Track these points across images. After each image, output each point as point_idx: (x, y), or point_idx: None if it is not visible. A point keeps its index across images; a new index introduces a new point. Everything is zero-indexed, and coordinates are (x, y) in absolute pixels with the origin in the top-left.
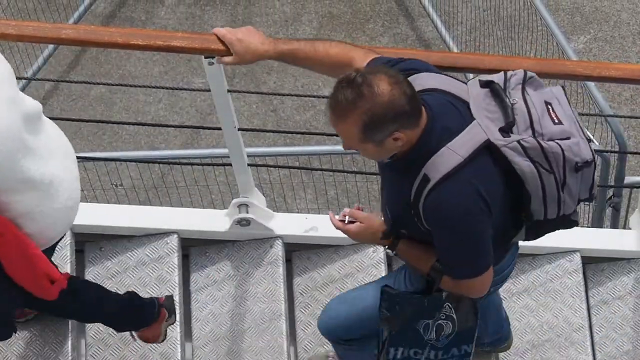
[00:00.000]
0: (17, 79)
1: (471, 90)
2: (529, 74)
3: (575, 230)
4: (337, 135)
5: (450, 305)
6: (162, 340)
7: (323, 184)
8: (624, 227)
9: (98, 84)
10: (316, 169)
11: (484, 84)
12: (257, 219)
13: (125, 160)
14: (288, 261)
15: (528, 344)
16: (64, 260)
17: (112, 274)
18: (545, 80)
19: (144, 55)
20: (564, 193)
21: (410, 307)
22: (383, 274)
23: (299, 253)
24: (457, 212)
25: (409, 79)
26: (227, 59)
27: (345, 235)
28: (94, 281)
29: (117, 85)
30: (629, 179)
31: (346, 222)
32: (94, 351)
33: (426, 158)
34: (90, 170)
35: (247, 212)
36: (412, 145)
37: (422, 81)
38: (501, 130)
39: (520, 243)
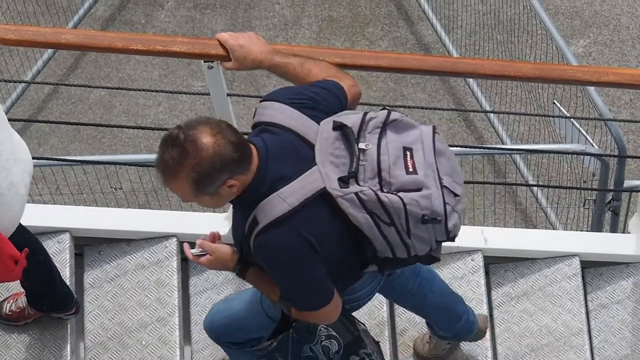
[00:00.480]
0: (17, 82)
1: (322, 131)
2: (394, 116)
3: (575, 234)
4: None
5: (325, 326)
6: None
7: None
8: (623, 231)
9: (97, 87)
10: None
11: (336, 127)
12: None
13: (124, 164)
14: None
15: (527, 348)
16: (63, 264)
17: (111, 278)
18: (545, 84)
19: (143, 58)
20: (411, 239)
21: (286, 346)
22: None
23: None
24: (281, 257)
25: (262, 104)
26: (228, 64)
27: None
28: (91, 285)
29: (116, 88)
30: (628, 183)
31: (199, 253)
32: (93, 355)
33: (257, 201)
34: (90, 174)
35: None
36: (245, 188)
37: (273, 112)
38: (341, 180)
39: (519, 247)
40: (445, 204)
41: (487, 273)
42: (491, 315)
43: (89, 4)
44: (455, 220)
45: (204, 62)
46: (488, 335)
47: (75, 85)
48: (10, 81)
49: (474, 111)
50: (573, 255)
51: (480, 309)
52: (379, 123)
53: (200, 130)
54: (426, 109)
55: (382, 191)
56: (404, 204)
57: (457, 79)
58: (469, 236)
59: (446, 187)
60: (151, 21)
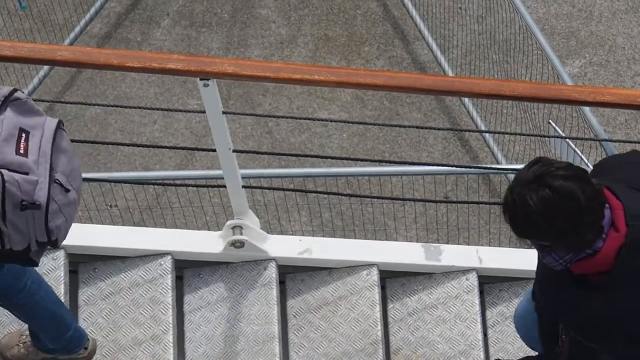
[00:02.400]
0: None
1: None
2: (19, 95)
3: None
4: (332, 158)
5: None
6: None
7: (317, 206)
8: None
9: (93, 104)
10: (311, 191)
11: None
12: (251, 241)
13: (119, 181)
14: (282, 283)
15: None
16: (57, 281)
17: (105, 295)
18: (540, 104)
19: (139, 76)
20: (7, 227)
21: None
22: (377, 297)
23: (293, 275)
24: None
25: None
26: None
27: (340, 258)
28: (86, 302)
29: (112, 106)
30: None
31: None
32: None
33: None
34: (85, 191)
35: (241, 234)
36: None
37: None
38: None
39: (514, 267)
40: (50, 196)
41: (481, 292)
42: (485, 334)
43: (85, 21)
44: (60, 221)
45: (200, 79)
46: (482, 355)
47: (70, 103)
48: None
49: (469, 130)
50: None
51: (474, 328)
52: (0, 97)
53: None
54: (421, 128)
55: None
56: (3, 180)
57: (452, 98)
58: (463, 255)
59: (59, 183)
60: (147, 39)
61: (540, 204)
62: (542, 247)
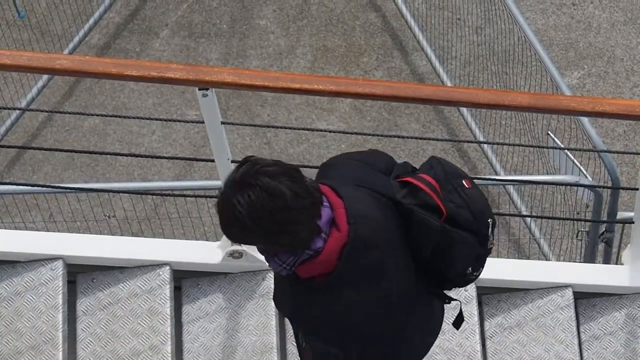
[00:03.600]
0: (11, 109)
1: None
2: None
3: (568, 265)
4: None
5: None
6: None
7: None
8: (616, 263)
9: (92, 115)
10: None
11: None
12: (249, 251)
13: (118, 192)
14: None
15: None
16: (55, 291)
17: (104, 305)
18: (540, 115)
19: (137, 86)
20: None
21: None
22: None
23: None
24: None
25: None
26: None
27: None
28: (84, 313)
29: (110, 116)
30: (621, 215)
31: None
32: None
33: None
34: (83, 202)
35: (240, 245)
36: None
37: None
38: None
39: (513, 278)
40: None
41: (480, 303)
42: (484, 345)
43: (84, 31)
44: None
45: (199, 89)
46: None
47: (69, 113)
48: (4, 108)
49: (467, 141)
50: (566, 286)
51: (472, 339)
52: None
53: None
54: (420, 139)
55: None
56: None
57: (451, 109)
58: None
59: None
60: (146, 50)
61: (246, 205)
62: (266, 252)
